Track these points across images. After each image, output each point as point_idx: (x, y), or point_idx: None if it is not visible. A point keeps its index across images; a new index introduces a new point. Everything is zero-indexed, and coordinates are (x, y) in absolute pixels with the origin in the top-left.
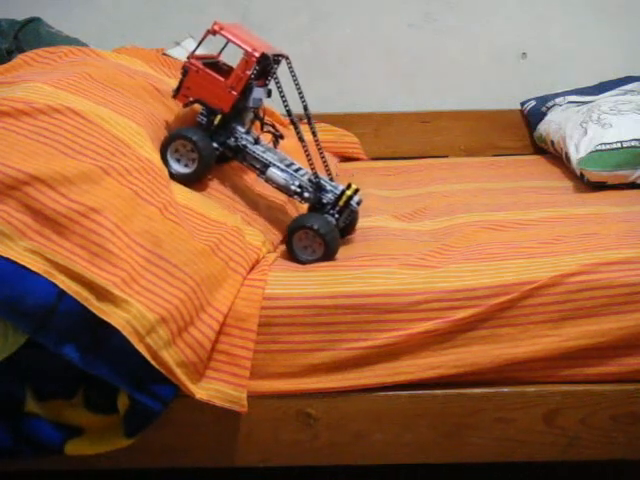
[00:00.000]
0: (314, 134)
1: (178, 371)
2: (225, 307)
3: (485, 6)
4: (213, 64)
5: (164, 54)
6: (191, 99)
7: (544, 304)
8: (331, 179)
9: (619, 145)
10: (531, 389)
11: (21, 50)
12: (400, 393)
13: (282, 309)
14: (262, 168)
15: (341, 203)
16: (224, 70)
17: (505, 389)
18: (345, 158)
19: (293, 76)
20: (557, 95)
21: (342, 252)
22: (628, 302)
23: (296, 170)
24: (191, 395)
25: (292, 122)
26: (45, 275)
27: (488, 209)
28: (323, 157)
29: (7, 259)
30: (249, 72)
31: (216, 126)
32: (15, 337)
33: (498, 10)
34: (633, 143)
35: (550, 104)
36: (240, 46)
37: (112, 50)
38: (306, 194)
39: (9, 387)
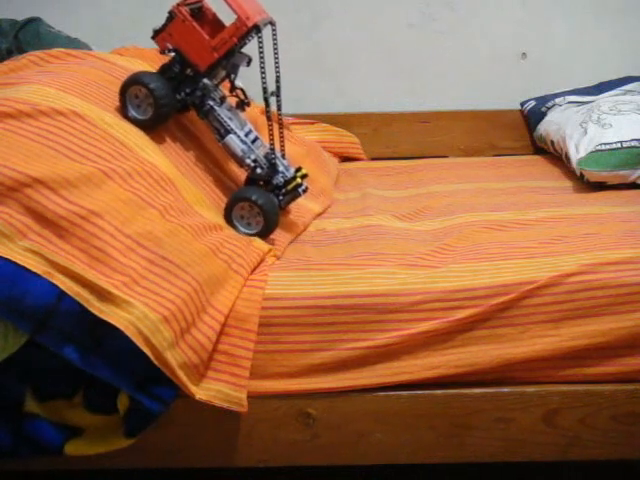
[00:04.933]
0: (279, 108)
1: (180, 372)
2: (226, 308)
3: (485, 6)
4: (198, 9)
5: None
6: (170, 47)
7: (544, 304)
8: (283, 155)
9: (619, 145)
10: (531, 389)
11: (21, 50)
12: (400, 393)
13: (282, 309)
14: (223, 132)
15: (289, 187)
16: (207, 17)
17: (505, 389)
18: (345, 158)
19: (275, 43)
20: (557, 95)
21: (342, 252)
22: (628, 302)
23: (253, 141)
24: (191, 396)
25: (265, 100)
26: (45, 276)
27: (488, 209)
28: (282, 132)
29: (7, 259)
30: (236, 39)
31: (185, 77)
32: (15, 337)
33: (498, 10)
34: (633, 143)
35: (550, 104)
36: (235, 11)
37: (112, 50)
38: (259, 170)
39: (9, 387)
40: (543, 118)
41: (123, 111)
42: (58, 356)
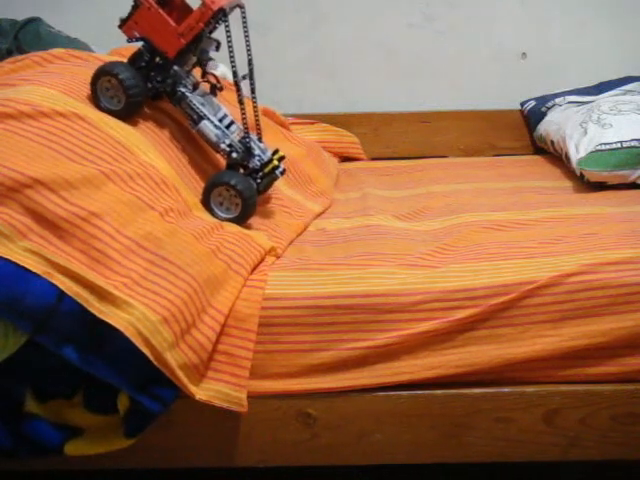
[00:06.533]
0: (252, 91)
1: (180, 373)
2: (226, 308)
3: (485, 6)
4: None
5: None
6: (137, 35)
7: (544, 304)
8: (260, 139)
9: (619, 145)
10: (531, 389)
11: (21, 50)
12: (400, 393)
13: (282, 309)
14: (196, 119)
15: (266, 170)
16: (175, 3)
17: (505, 389)
18: (345, 158)
19: (245, 27)
20: (557, 95)
21: (342, 252)
22: (628, 302)
23: (228, 125)
24: (191, 396)
25: (235, 84)
26: (45, 276)
27: (488, 209)
28: (257, 115)
29: (7, 260)
30: (202, 24)
31: (155, 65)
32: (15, 337)
33: (498, 10)
34: (633, 143)
35: (550, 104)
36: None
37: (112, 50)
38: (234, 154)
39: (9, 387)
40: (543, 118)
41: (95, 102)
42: (58, 356)
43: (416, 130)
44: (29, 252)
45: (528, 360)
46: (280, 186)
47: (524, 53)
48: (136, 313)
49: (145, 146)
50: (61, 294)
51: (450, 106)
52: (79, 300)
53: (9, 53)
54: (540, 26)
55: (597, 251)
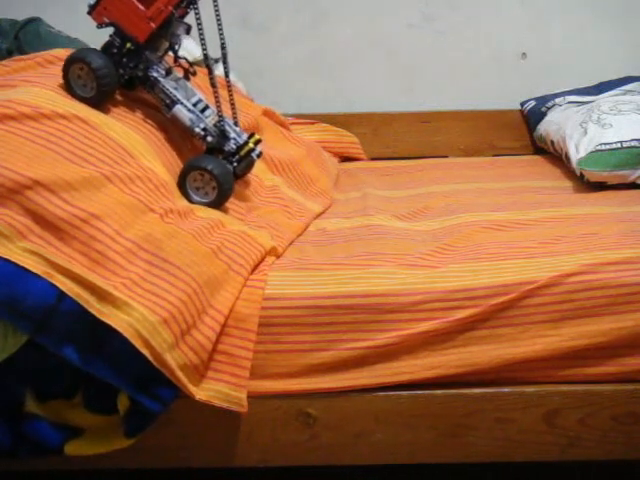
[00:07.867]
0: (226, 75)
1: (180, 373)
2: (226, 308)
3: (485, 6)
4: None
5: None
6: (106, 20)
7: (544, 304)
8: (236, 123)
9: (619, 145)
10: (531, 389)
11: (22, 50)
12: (400, 393)
13: (282, 309)
14: (169, 104)
15: (242, 153)
16: None
17: (505, 389)
18: (345, 158)
19: (216, 8)
20: (557, 95)
21: (342, 252)
22: (628, 302)
23: (202, 110)
24: (191, 396)
25: (207, 67)
26: (44, 276)
27: (488, 209)
28: (232, 99)
29: (7, 260)
30: (171, 7)
31: (127, 51)
32: (15, 337)
33: (498, 10)
34: (633, 143)
35: (550, 104)
36: None
37: None
38: (209, 138)
39: (9, 387)
40: (543, 118)
41: (68, 90)
42: (58, 356)
43: (416, 130)
44: (29, 252)
45: (528, 360)
46: (281, 186)
47: (524, 53)
48: (135, 314)
49: (145, 149)
50: (61, 294)
51: (450, 106)
52: (79, 301)
53: (9, 53)
54: (540, 26)
55: (597, 251)
